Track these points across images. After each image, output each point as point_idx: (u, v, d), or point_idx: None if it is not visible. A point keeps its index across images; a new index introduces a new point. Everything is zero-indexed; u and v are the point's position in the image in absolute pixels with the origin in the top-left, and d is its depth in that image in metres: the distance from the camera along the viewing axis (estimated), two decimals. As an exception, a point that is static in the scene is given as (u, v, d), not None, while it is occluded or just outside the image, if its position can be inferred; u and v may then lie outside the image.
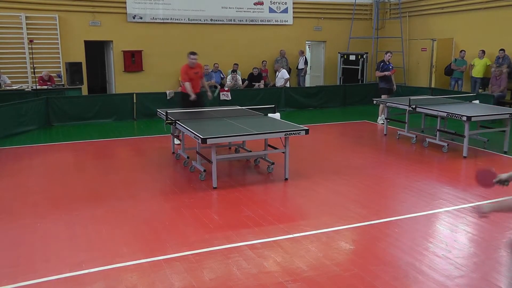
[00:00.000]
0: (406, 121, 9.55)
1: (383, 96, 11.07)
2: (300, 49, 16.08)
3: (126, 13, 13.99)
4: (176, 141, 8.31)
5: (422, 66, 15.42)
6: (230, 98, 12.76)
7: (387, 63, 11.21)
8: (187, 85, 8.50)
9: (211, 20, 15.01)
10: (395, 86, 11.56)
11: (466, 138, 7.92)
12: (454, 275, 3.92)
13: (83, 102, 11.63)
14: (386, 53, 11.45)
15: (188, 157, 7.44)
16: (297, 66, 15.97)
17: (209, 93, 9.10)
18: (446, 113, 8.18)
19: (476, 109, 8.62)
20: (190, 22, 14.75)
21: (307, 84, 17.05)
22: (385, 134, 10.03)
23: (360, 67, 16.04)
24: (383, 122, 10.86)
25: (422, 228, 4.99)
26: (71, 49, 13.42)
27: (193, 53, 8.50)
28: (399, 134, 9.67)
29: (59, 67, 13.26)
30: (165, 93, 12.20)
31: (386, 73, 11.11)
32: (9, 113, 9.90)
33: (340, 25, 16.87)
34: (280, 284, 3.79)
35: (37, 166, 7.54)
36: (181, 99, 8.96)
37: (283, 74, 14.45)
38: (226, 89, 13.16)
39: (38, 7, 12.94)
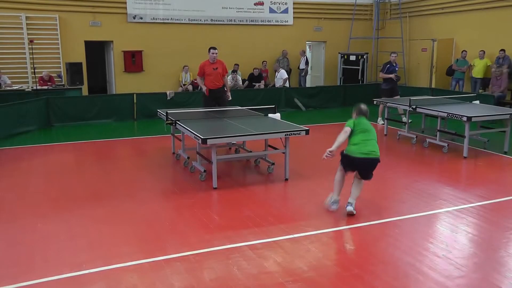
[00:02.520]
0: (407, 121, 9.55)
1: (383, 98, 10.92)
2: (301, 49, 16.07)
3: (126, 14, 14.00)
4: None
5: (422, 67, 15.43)
6: (231, 98, 12.74)
7: (394, 64, 11.00)
8: (199, 79, 8.60)
9: (211, 20, 15.02)
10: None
11: (466, 139, 7.92)
12: (454, 275, 3.92)
13: (83, 103, 11.64)
14: (391, 54, 11.24)
15: (188, 157, 7.44)
16: (299, 66, 15.97)
17: (228, 93, 8.91)
18: (446, 114, 8.18)
19: (476, 110, 8.62)
20: (190, 22, 14.76)
21: (308, 84, 17.05)
22: (385, 135, 10.03)
23: (360, 68, 16.04)
24: (383, 122, 10.85)
25: (422, 228, 4.99)
26: (72, 49, 13.43)
27: (213, 48, 8.37)
28: (399, 134, 9.66)
29: (60, 67, 13.28)
30: (165, 93, 12.21)
31: (392, 75, 10.86)
32: (9, 113, 9.90)
33: (340, 25, 16.88)
34: (281, 284, 3.79)
35: (38, 167, 7.54)
36: (202, 95, 8.94)
37: (281, 74, 14.46)
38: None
39: (39, 7, 12.96)
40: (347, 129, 5.39)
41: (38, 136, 9.96)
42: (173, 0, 14.43)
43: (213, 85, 8.53)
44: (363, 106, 5.64)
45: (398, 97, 10.94)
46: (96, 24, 13.71)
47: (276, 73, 14.69)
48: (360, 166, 5.32)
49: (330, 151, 5.20)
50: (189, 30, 14.72)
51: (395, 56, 11.14)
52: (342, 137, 5.34)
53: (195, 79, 14.16)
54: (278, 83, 14.47)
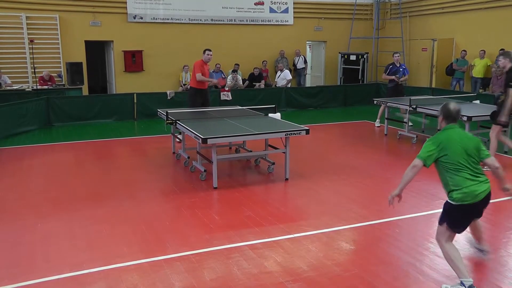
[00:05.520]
0: (407, 121, 9.55)
1: (387, 98, 10.76)
2: (296, 49, 15.96)
3: (126, 13, 14.00)
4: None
5: (422, 66, 15.42)
6: (231, 98, 12.77)
7: (397, 64, 10.82)
8: (200, 75, 8.90)
9: (212, 20, 15.02)
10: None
11: (466, 138, 7.89)
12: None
13: (83, 102, 11.64)
14: (394, 55, 11.01)
15: (188, 157, 7.44)
16: (295, 64, 15.87)
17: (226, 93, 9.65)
18: (446, 113, 8.15)
19: (477, 109, 8.61)
20: (190, 22, 14.75)
21: (308, 84, 17.04)
22: (386, 134, 10.03)
23: (360, 67, 16.03)
24: (379, 125, 10.82)
25: (422, 228, 4.99)
26: (72, 49, 13.43)
27: (210, 49, 9.03)
28: (400, 134, 9.66)
29: (60, 67, 13.27)
30: (166, 93, 12.21)
31: (393, 77, 10.71)
32: (9, 113, 9.90)
33: (340, 25, 16.87)
34: (281, 284, 3.79)
35: (38, 166, 7.54)
36: (193, 94, 9.09)
37: (285, 74, 14.41)
38: (226, 89, 13.17)
39: (39, 7, 12.95)
40: (418, 164, 3.86)
41: (38, 136, 9.96)
42: (173, 0, 14.43)
43: (205, 84, 9.19)
44: (453, 106, 3.80)
45: (403, 97, 10.75)
46: (96, 24, 13.70)
47: (279, 72, 14.62)
48: (480, 208, 3.73)
49: (394, 196, 3.82)
50: (189, 30, 14.71)
51: (398, 56, 10.94)
52: (409, 175, 3.86)
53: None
54: (281, 83, 14.41)
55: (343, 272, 4.00)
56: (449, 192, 3.67)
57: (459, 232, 3.76)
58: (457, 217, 3.66)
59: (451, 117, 3.79)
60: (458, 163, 3.60)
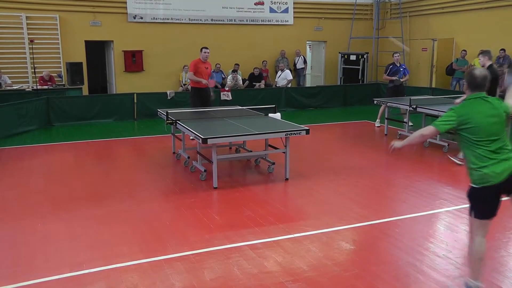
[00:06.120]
0: (407, 121, 9.55)
1: (387, 97, 10.74)
2: (296, 50, 15.97)
3: (126, 13, 14.00)
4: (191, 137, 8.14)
5: (422, 66, 15.42)
6: (231, 98, 12.77)
7: (397, 64, 10.79)
8: (191, 75, 8.82)
9: (212, 20, 15.02)
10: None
11: (466, 138, 7.89)
12: (454, 275, 3.92)
13: (83, 102, 11.63)
14: (394, 55, 10.95)
15: (188, 157, 7.44)
16: (295, 64, 15.88)
17: (212, 93, 9.29)
18: (446, 113, 8.16)
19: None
20: (190, 22, 14.75)
21: (308, 84, 17.03)
22: (386, 134, 10.03)
23: (360, 67, 16.03)
24: (379, 125, 10.81)
25: (422, 228, 4.98)
26: (72, 49, 13.43)
27: (206, 47, 8.90)
28: (400, 134, 9.66)
29: (60, 67, 13.28)
30: (166, 93, 12.21)
31: (393, 78, 10.67)
32: (9, 113, 9.90)
33: (340, 25, 16.87)
34: (281, 284, 3.79)
35: (38, 166, 7.54)
36: (193, 93, 9.09)
37: (286, 74, 14.39)
38: (226, 89, 13.17)
39: (39, 7, 12.96)
40: (428, 133, 3.48)
41: (38, 136, 9.96)
42: (173, 0, 14.43)
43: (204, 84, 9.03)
44: (478, 72, 3.42)
45: (403, 97, 10.72)
46: (96, 24, 13.70)
47: (280, 72, 14.61)
48: (507, 187, 3.34)
49: (395, 148, 3.67)
50: (189, 30, 14.71)
51: (398, 56, 10.90)
52: (417, 139, 3.62)
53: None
54: (281, 82, 14.40)
55: (343, 272, 4.00)
56: (470, 172, 3.37)
57: (487, 219, 3.35)
58: (481, 201, 3.33)
59: (475, 84, 3.38)
60: (479, 138, 3.28)
